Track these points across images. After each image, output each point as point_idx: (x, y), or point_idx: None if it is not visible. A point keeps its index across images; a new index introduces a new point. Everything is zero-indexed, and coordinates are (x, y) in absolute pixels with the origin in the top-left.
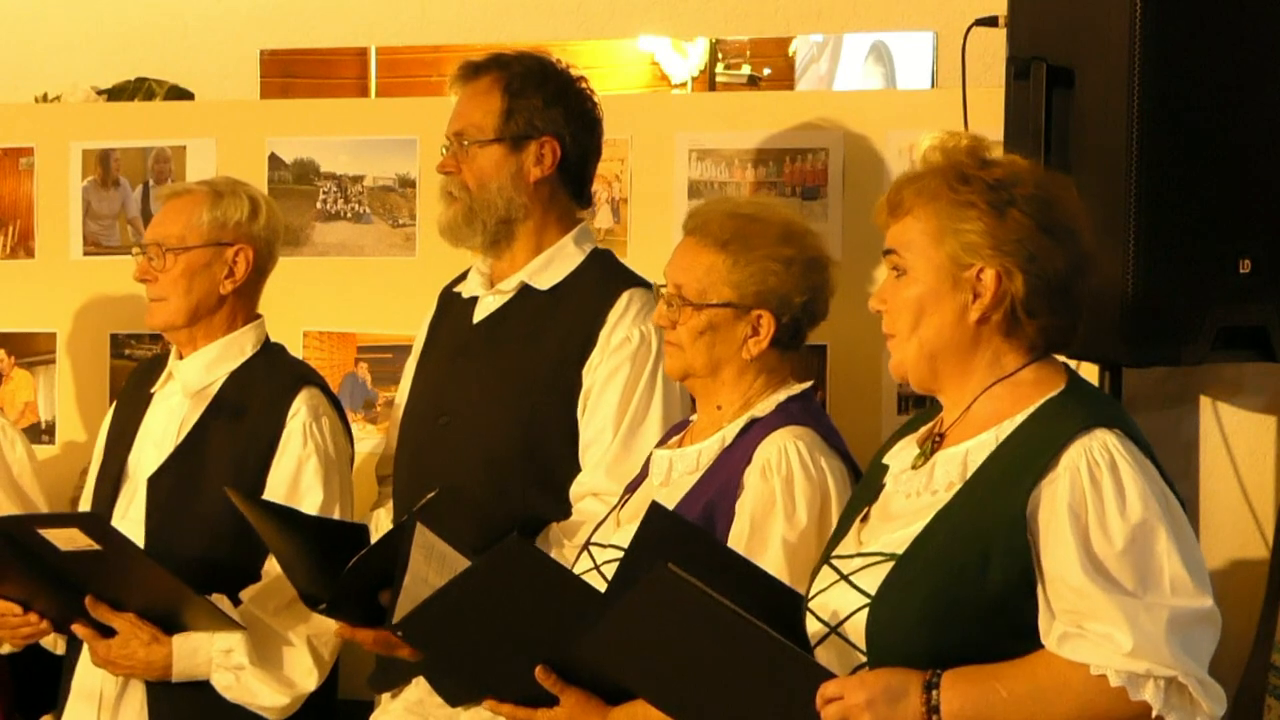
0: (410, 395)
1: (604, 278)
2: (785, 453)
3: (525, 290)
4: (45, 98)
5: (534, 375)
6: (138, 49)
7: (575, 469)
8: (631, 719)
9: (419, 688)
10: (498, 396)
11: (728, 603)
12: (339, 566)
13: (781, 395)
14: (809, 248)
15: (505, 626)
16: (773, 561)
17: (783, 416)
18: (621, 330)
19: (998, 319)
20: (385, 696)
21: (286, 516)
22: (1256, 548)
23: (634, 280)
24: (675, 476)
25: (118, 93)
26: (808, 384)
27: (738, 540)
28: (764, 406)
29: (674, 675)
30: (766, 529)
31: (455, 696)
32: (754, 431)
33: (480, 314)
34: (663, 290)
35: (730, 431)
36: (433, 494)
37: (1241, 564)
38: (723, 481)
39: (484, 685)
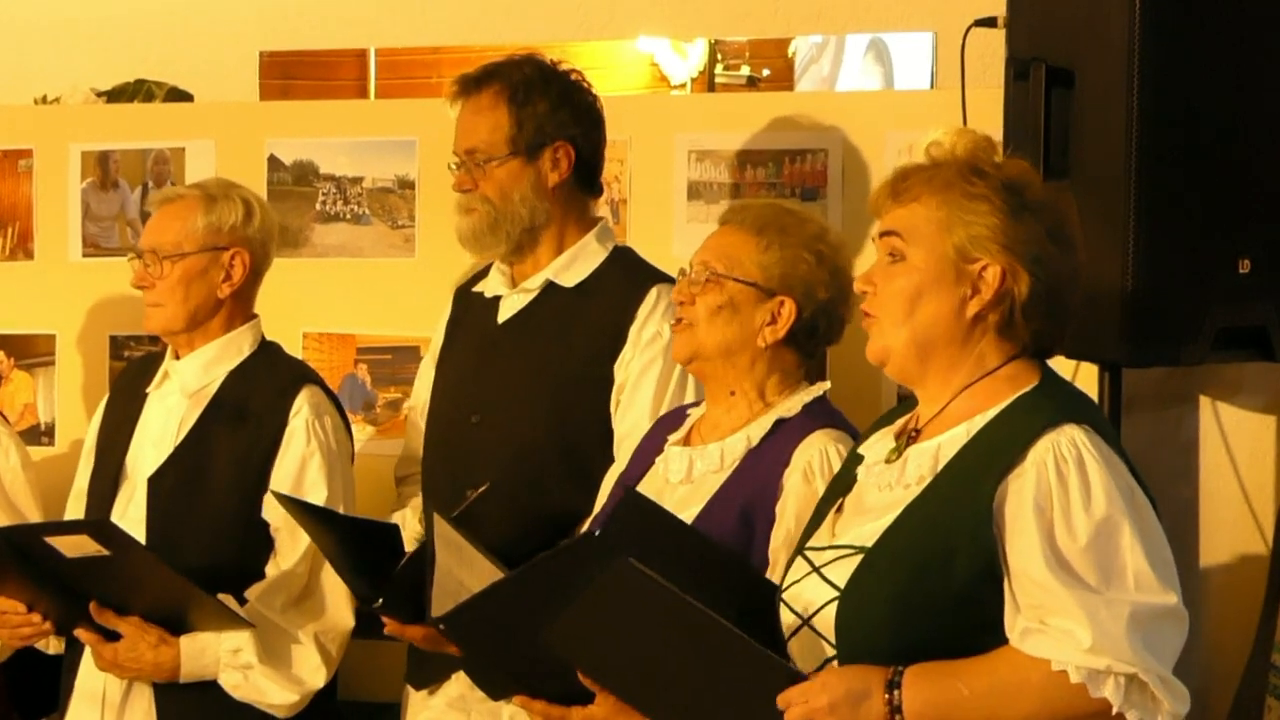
0: (434, 395)
1: (630, 274)
2: (826, 455)
3: (550, 288)
4: (44, 99)
5: (566, 371)
6: (137, 50)
7: (609, 463)
8: None
9: (460, 683)
10: (530, 393)
11: (690, 598)
12: (373, 565)
13: (804, 396)
14: (840, 255)
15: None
16: None
17: (812, 418)
18: (652, 326)
19: (994, 318)
20: (422, 694)
21: (323, 516)
22: (1257, 547)
23: (660, 276)
24: (697, 475)
25: (117, 94)
26: (826, 385)
27: (783, 543)
28: (788, 406)
29: (637, 669)
30: None
31: (498, 690)
32: (784, 433)
33: (505, 313)
34: (685, 271)
35: (755, 431)
36: (484, 488)
37: (1242, 564)
38: (758, 483)
39: (520, 682)
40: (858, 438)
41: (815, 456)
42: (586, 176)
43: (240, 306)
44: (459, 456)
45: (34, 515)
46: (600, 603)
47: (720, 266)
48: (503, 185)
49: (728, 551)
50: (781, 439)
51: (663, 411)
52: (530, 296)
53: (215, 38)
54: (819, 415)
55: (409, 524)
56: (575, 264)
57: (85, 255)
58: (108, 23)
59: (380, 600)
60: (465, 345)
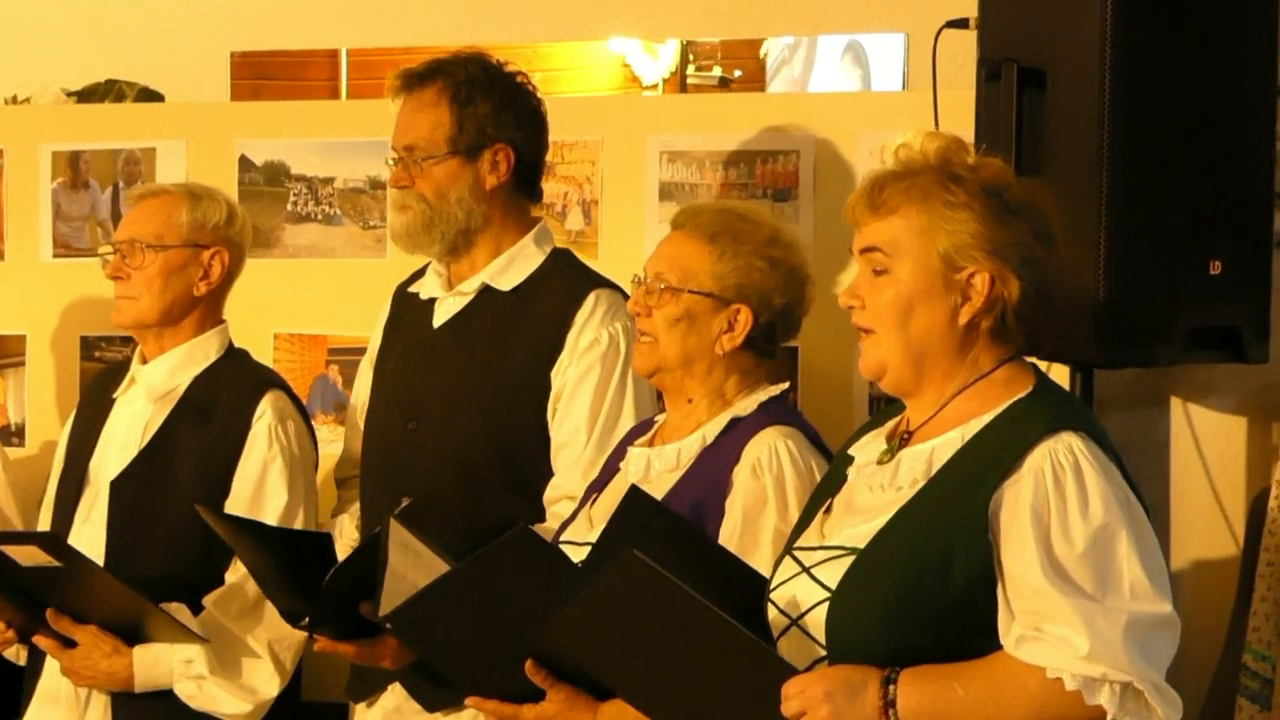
0: (372, 400)
1: (569, 279)
2: (776, 451)
3: (487, 291)
4: (15, 100)
5: (503, 378)
6: (108, 51)
7: (547, 471)
8: (621, 715)
9: (395, 694)
10: (467, 400)
11: (693, 592)
12: (307, 577)
13: (761, 395)
14: (794, 256)
15: (502, 618)
16: (764, 559)
17: (766, 416)
18: (590, 332)
19: (987, 324)
20: (360, 706)
21: (252, 530)
22: (1228, 548)
23: (600, 281)
24: (654, 475)
25: (88, 94)
26: (784, 385)
27: (729, 538)
28: (744, 406)
29: (637, 662)
30: (758, 527)
31: (433, 701)
32: (738, 431)
33: (441, 317)
34: (640, 278)
35: (711, 430)
36: (406, 503)
37: (1213, 565)
38: (710, 481)
39: (471, 681)
40: (815, 436)
41: (764, 453)
42: (526, 180)
43: (211, 309)
44: (395, 463)
45: (15, 515)
46: (603, 595)
47: (674, 279)
48: (440, 185)
49: (724, 550)
50: (735, 437)
51: (600, 420)
52: (466, 300)
53: (186, 38)
54: (773, 414)
55: (345, 531)
56: (512, 267)
57: (56, 256)
58: (78, 23)
59: (307, 619)
60: (402, 348)
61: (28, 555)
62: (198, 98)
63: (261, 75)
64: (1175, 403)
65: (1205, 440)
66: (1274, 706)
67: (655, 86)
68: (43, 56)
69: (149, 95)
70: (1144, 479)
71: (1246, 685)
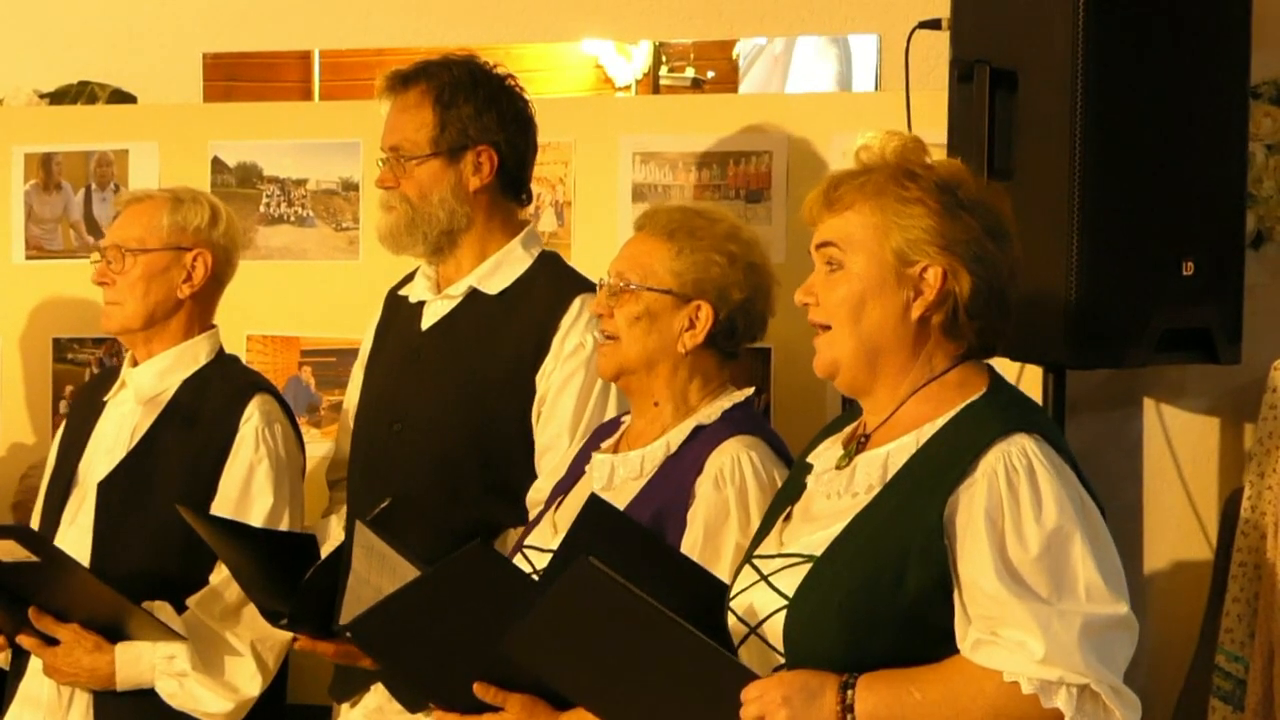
0: (360, 401)
1: (555, 282)
2: (738, 463)
3: (474, 295)
4: None
5: (487, 381)
6: (80, 52)
7: (530, 474)
8: None
9: (378, 694)
10: (451, 402)
11: (650, 599)
12: (291, 578)
13: (725, 402)
14: (754, 252)
15: (460, 632)
16: (726, 571)
17: (730, 425)
18: (575, 336)
19: (939, 320)
20: (344, 706)
21: (235, 530)
22: (1200, 549)
23: (585, 285)
24: (618, 482)
25: (60, 96)
26: (749, 391)
27: (691, 550)
28: (708, 413)
29: (598, 672)
30: (720, 539)
31: (415, 702)
32: (701, 439)
33: (429, 319)
34: (604, 281)
35: (675, 438)
36: (386, 503)
37: (1185, 566)
38: (672, 490)
39: (433, 692)
40: (779, 445)
41: (727, 464)
42: (511, 182)
43: (200, 313)
44: (380, 465)
45: None
46: (560, 604)
47: (634, 276)
48: (423, 185)
49: (684, 558)
50: (698, 446)
51: (583, 424)
52: (454, 303)
53: (159, 39)
54: (737, 422)
55: (332, 531)
56: (500, 270)
57: (28, 258)
58: (51, 24)
59: (286, 618)
60: (390, 351)
61: (6, 551)
62: (170, 99)
63: (234, 77)
64: (1148, 404)
65: (1178, 441)
66: (1246, 707)
67: (628, 87)
68: (15, 58)
69: (121, 97)
70: (1116, 480)
71: (1219, 686)
